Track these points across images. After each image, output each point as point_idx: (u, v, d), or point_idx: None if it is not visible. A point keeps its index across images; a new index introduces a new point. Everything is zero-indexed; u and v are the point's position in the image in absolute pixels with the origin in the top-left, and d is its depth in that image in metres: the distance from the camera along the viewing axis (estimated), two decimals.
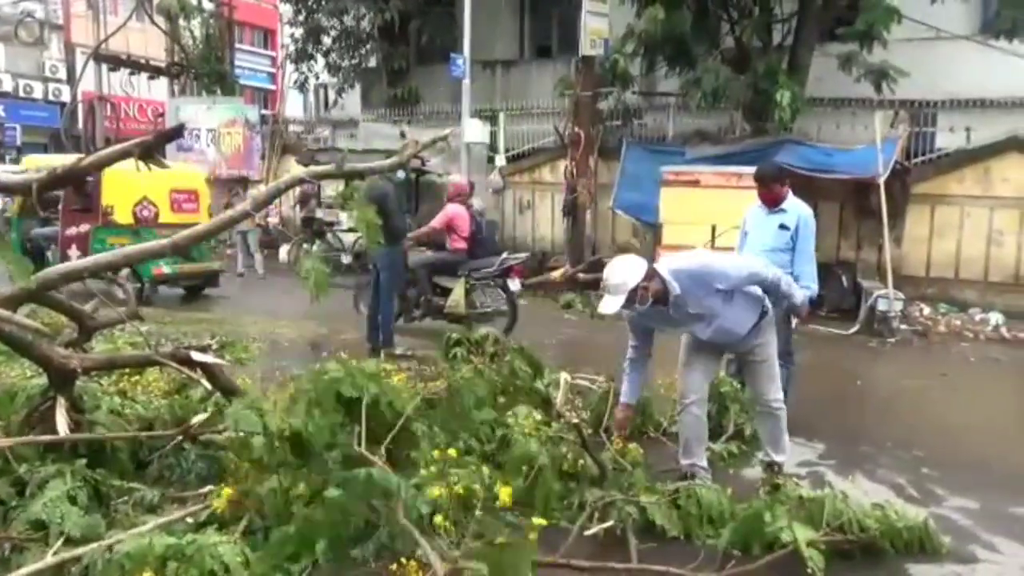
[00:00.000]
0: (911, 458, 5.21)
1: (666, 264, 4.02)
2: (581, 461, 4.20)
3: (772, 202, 5.47)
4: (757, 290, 4.19)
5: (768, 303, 4.29)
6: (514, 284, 8.52)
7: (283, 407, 3.58)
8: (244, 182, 15.25)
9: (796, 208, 5.44)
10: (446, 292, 8.51)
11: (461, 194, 8.91)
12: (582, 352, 8.46)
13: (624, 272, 3.84)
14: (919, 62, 11.04)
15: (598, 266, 12.62)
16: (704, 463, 4.38)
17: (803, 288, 5.17)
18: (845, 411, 6.33)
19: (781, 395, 4.47)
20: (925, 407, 6.73)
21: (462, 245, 8.65)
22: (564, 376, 5.14)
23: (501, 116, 14.68)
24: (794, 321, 5.30)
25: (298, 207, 15.79)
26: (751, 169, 10.44)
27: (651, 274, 3.89)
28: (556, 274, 12.29)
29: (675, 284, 3.94)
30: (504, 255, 8.74)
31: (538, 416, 4.63)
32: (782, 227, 5.39)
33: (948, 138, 11.43)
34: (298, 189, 14.25)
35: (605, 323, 8.64)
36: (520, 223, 14.85)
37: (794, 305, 4.41)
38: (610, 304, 3.80)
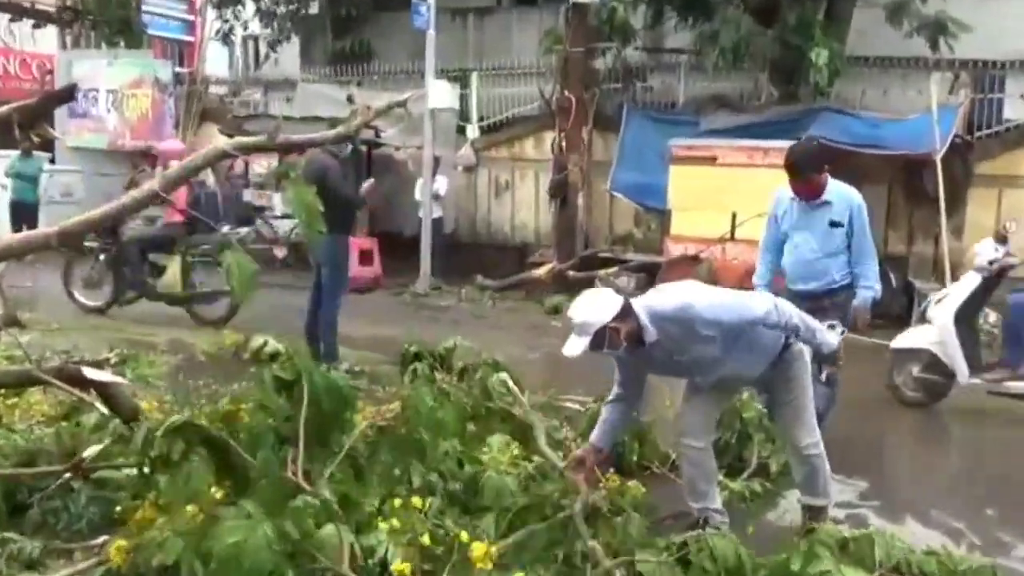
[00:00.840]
0: (972, 499, 5.26)
1: (645, 302, 3.99)
2: (566, 503, 4.18)
3: (810, 193, 5.39)
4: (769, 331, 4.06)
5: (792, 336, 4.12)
6: None
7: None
8: (152, 156, 15.07)
9: (844, 196, 5.37)
10: (163, 271, 9.15)
11: (174, 160, 9.19)
12: (572, 368, 8.42)
13: (590, 309, 3.86)
14: (984, 15, 11.16)
15: (593, 262, 12.73)
16: (717, 504, 4.38)
17: (865, 289, 5.23)
18: (892, 442, 6.39)
19: (816, 438, 4.34)
20: (990, 437, 6.79)
21: (178, 218, 9.22)
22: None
23: (474, 77, 14.65)
24: (824, 371, 4.86)
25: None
26: (780, 144, 10.76)
27: (625, 313, 3.87)
28: (541, 271, 12.32)
29: (651, 329, 3.91)
30: (225, 228, 9.22)
31: (516, 448, 4.61)
32: (834, 224, 5.32)
33: (1019, 107, 11.57)
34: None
35: None
36: (496, 208, 14.86)
37: (822, 353, 4.18)
38: (574, 346, 3.83)
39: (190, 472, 3.32)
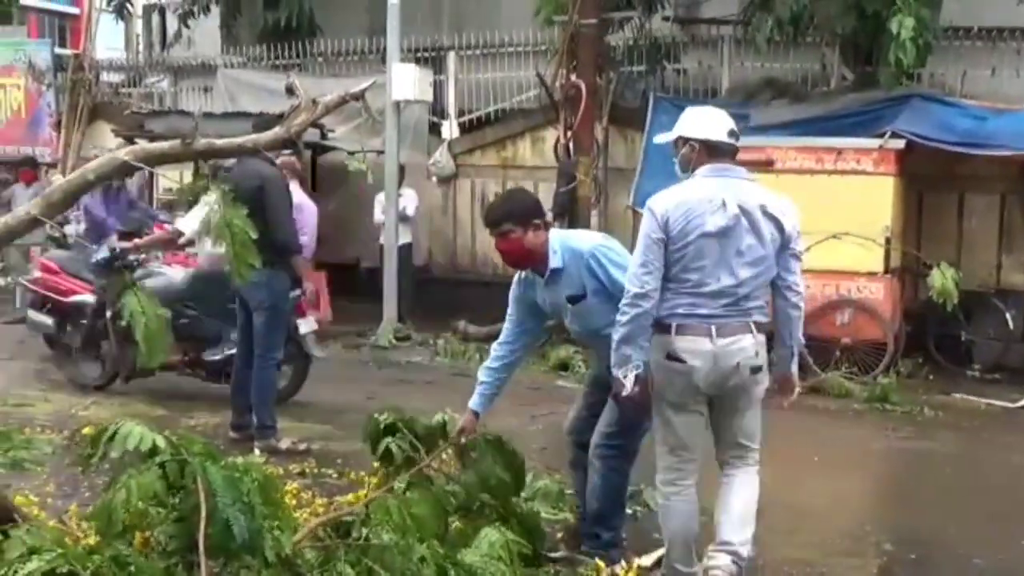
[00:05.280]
0: None
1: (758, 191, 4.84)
2: None
3: (520, 258, 5.27)
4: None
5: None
6: None
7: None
8: (30, 166, 15.11)
9: (572, 252, 5.16)
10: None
11: None
12: None
13: (710, 118, 4.92)
14: None
15: None
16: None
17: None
18: (1010, 546, 6.37)
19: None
20: None
21: None
22: None
23: (451, 58, 14.73)
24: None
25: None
26: (857, 142, 10.85)
27: (724, 151, 4.82)
28: None
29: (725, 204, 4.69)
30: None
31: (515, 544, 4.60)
32: (573, 300, 5.18)
33: None
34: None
35: None
36: (483, 232, 14.78)
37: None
38: (665, 135, 5.04)
39: None
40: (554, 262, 5.16)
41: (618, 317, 4.68)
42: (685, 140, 4.84)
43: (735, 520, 4.86)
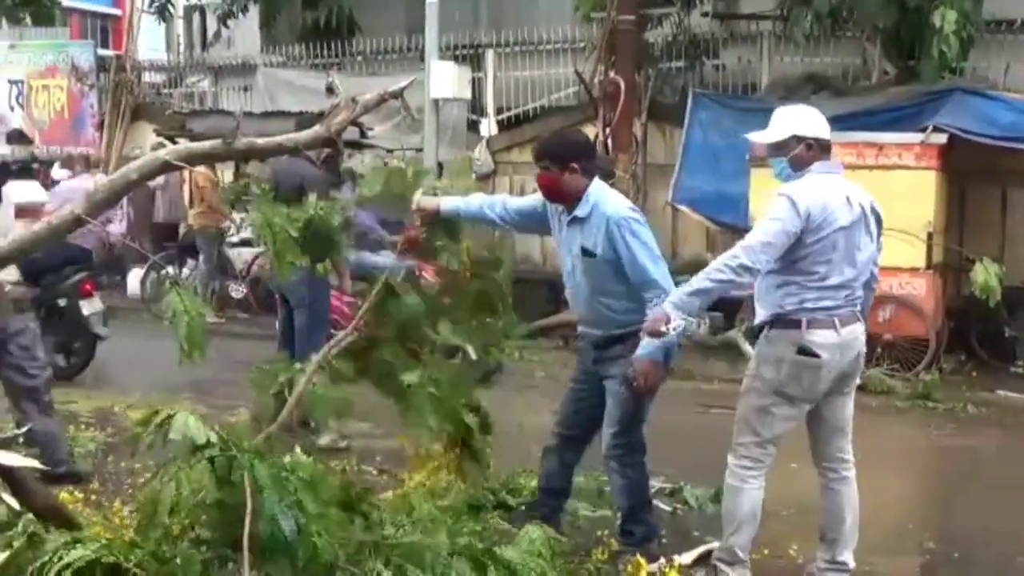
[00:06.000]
0: None
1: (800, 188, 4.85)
2: None
3: (552, 193, 5.34)
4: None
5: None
6: None
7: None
8: (69, 164, 15.24)
9: (600, 210, 5.20)
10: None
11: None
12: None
13: (808, 115, 5.02)
14: None
15: None
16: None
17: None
18: None
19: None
20: None
21: None
22: None
23: (489, 55, 14.73)
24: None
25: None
26: (898, 137, 10.77)
27: (824, 147, 4.96)
28: None
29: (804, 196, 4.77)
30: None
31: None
32: (586, 252, 5.22)
33: None
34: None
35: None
36: None
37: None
38: (759, 134, 5.10)
39: None
40: (581, 211, 5.24)
41: (713, 270, 4.74)
42: (799, 139, 4.90)
43: (849, 535, 5.02)
